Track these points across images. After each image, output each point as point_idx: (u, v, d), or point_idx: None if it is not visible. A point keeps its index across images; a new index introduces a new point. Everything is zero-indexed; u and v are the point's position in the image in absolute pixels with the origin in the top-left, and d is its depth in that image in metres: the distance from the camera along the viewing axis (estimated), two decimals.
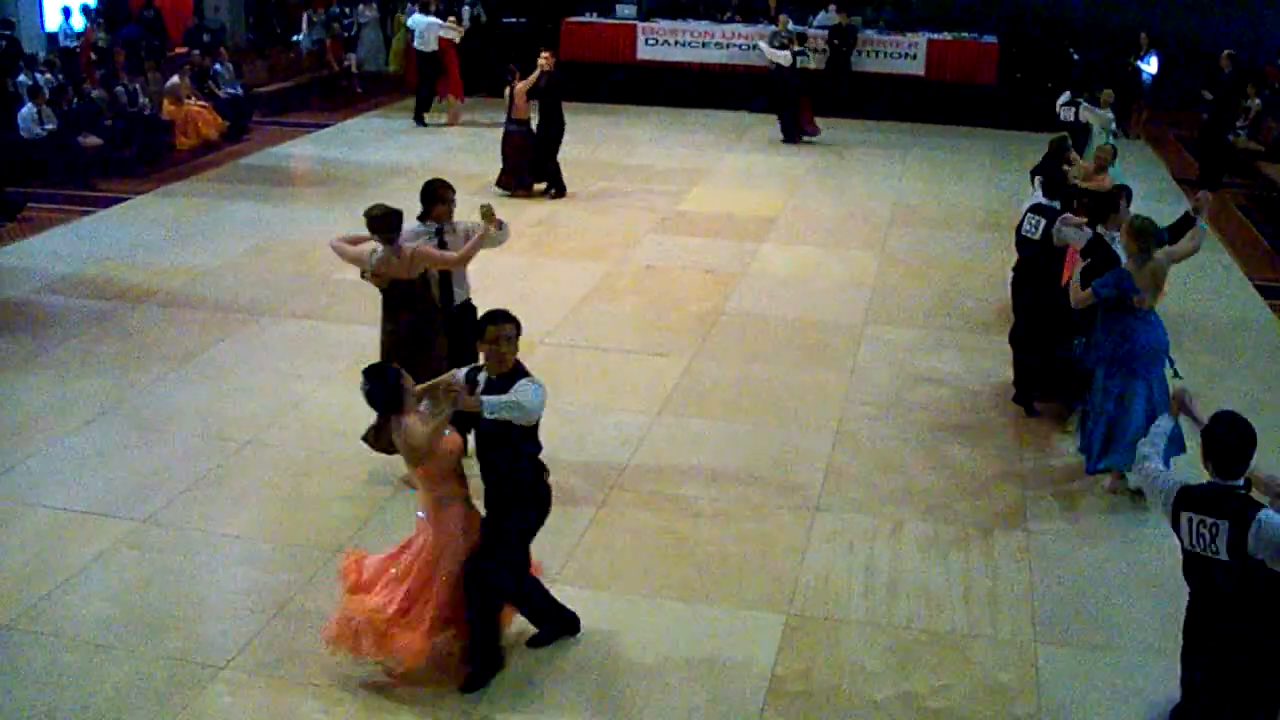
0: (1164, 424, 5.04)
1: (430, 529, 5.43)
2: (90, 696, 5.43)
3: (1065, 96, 13.76)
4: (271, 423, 8.21)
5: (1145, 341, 7.14)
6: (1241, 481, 4.46)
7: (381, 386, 5.41)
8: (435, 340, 7.37)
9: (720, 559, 6.67)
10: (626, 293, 10.98)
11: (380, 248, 7.22)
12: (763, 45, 17.97)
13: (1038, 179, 9.52)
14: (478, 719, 5.36)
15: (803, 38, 19.26)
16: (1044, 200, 8.57)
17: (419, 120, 18.30)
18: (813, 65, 17.69)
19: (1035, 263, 8.47)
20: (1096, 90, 13.54)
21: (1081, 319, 7.69)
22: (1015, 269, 8.83)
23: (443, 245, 7.43)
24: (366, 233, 7.32)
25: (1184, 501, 4.50)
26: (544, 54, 14.19)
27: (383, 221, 7.19)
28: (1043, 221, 8.32)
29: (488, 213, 7.34)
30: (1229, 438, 4.44)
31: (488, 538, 5.47)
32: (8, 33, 16.73)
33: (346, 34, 21.45)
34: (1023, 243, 8.58)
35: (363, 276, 7.42)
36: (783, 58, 17.37)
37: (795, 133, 17.57)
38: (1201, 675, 4.68)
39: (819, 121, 17.73)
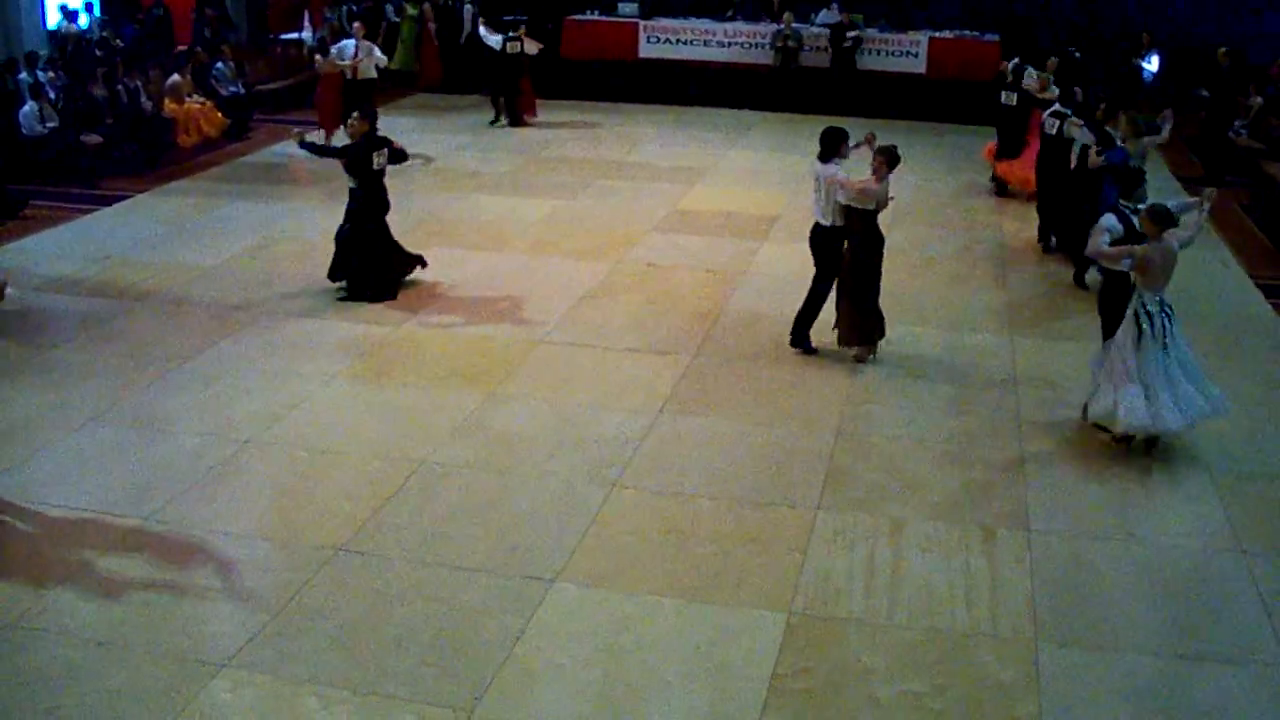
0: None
1: None
2: (91, 695, 5.43)
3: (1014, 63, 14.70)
4: (271, 423, 8.21)
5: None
6: None
7: None
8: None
9: (720, 559, 6.67)
10: (627, 291, 10.98)
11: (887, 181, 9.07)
12: (482, 30, 18.15)
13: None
14: (478, 719, 5.37)
15: (798, 36, 19.38)
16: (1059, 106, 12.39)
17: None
18: (531, 51, 17.81)
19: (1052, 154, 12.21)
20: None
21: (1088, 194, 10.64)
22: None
23: None
24: None
25: None
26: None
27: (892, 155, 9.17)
28: (1058, 123, 12.00)
29: None
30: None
31: None
32: None
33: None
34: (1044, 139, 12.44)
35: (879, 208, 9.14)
36: (494, 42, 17.60)
37: (517, 116, 18.01)
38: None
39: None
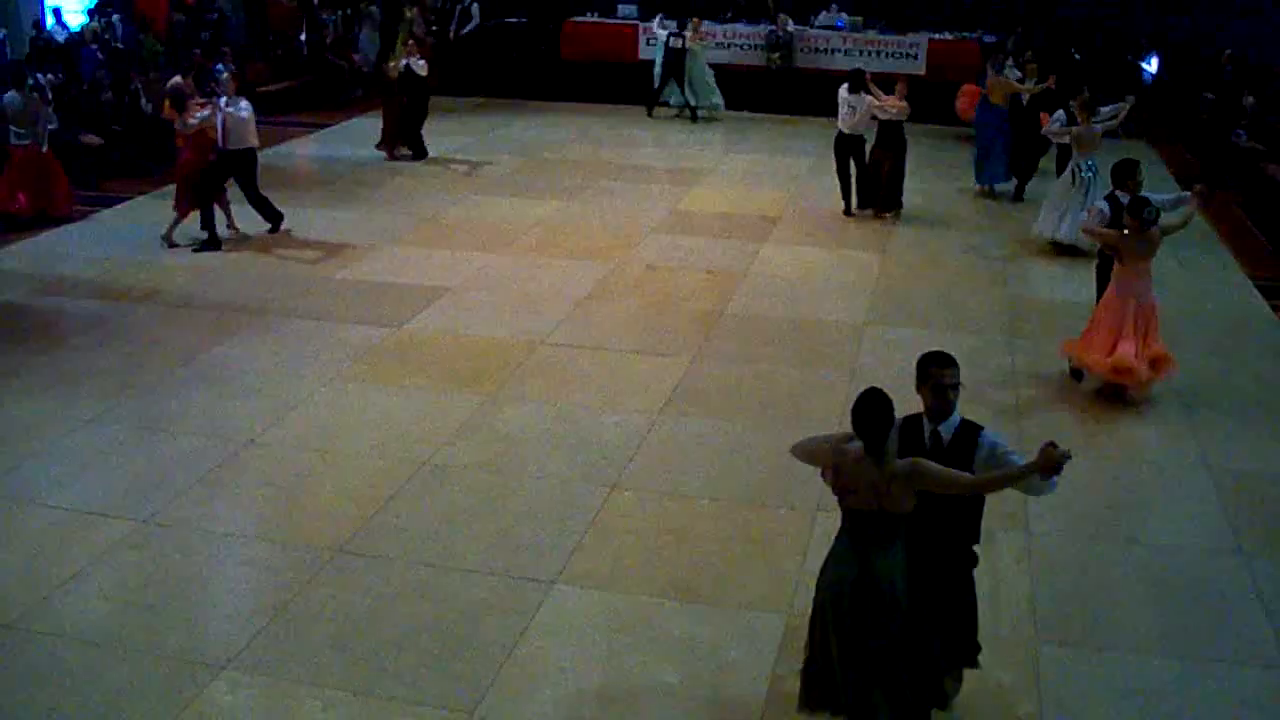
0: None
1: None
2: (90, 696, 5.43)
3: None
4: (272, 423, 8.21)
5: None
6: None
7: None
8: None
9: (720, 559, 6.67)
10: (627, 293, 10.98)
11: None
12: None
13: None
14: (478, 719, 5.37)
15: (789, 37, 19.45)
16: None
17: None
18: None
19: None
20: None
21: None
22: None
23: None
24: None
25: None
26: None
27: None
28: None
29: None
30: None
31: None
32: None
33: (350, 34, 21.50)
34: None
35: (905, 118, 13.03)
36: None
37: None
38: None
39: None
